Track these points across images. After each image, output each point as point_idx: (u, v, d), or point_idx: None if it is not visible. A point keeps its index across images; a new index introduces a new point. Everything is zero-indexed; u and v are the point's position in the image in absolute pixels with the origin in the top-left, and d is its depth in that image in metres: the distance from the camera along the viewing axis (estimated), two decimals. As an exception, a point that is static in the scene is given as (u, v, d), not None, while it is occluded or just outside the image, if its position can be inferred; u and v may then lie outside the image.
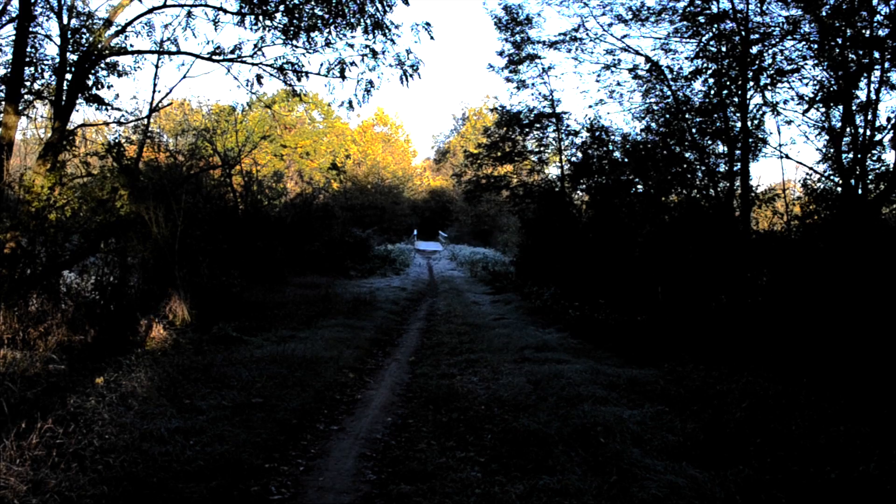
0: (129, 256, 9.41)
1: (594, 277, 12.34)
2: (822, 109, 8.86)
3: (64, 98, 8.85)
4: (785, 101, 9.88)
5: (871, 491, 3.66)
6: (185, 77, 26.22)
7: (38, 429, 4.04)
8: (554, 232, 15.20)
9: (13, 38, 8.73)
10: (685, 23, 11.02)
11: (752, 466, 4.09)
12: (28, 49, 9.08)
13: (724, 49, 10.43)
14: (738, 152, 10.26)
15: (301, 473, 4.28)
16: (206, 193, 14.12)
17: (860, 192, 8.25)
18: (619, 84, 13.55)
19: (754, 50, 9.94)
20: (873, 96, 8.20)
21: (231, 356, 7.11)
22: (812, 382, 5.86)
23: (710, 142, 11.00)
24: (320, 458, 4.61)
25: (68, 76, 9.02)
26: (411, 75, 9.77)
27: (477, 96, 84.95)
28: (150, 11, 9.65)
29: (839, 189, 8.61)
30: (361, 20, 9.51)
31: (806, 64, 9.41)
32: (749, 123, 10.15)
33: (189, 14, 9.99)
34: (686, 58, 11.58)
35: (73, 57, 9.32)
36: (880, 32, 8.22)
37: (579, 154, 15.52)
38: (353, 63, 9.80)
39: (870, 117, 8.30)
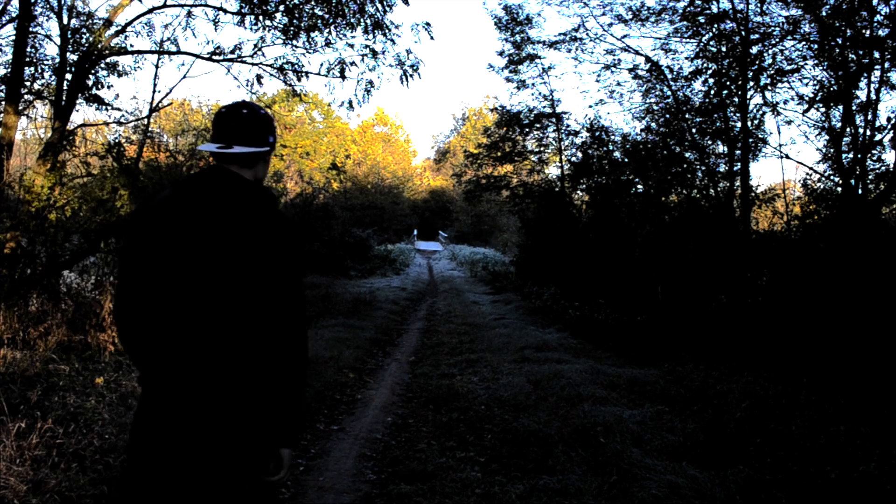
0: (129, 256, 9.39)
1: (594, 277, 12.34)
2: (822, 109, 8.87)
3: (64, 98, 8.85)
4: (785, 101, 9.95)
5: (871, 491, 3.66)
6: (185, 77, 26.30)
7: (39, 429, 4.04)
8: (554, 232, 15.20)
9: (13, 38, 8.74)
10: (685, 23, 11.03)
11: (752, 466, 4.09)
12: (28, 49, 9.08)
13: (724, 49, 10.43)
14: (738, 152, 10.26)
15: (301, 473, 4.28)
16: (206, 193, 14.09)
17: (860, 192, 8.25)
18: (619, 84, 13.62)
19: (754, 50, 9.95)
20: (873, 96, 8.21)
21: (231, 356, 7.09)
22: (812, 382, 5.86)
23: (710, 142, 11.01)
24: (320, 458, 4.60)
25: (68, 76, 9.02)
26: (411, 75, 9.77)
27: (477, 96, 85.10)
28: (150, 11, 9.67)
29: (839, 189, 8.61)
30: (361, 20, 9.51)
31: (806, 64, 9.43)
32: (749, 123, 10.16)
33: (189, 14, 10.00)
34: (686, 58, 11.63)
35: (73, 57, 9.33)
36: (880, 32, 8.23)
37: (579, 154, 15.54)
38: (353, 63, 9.81)
39: (870, 117, 8.31)
